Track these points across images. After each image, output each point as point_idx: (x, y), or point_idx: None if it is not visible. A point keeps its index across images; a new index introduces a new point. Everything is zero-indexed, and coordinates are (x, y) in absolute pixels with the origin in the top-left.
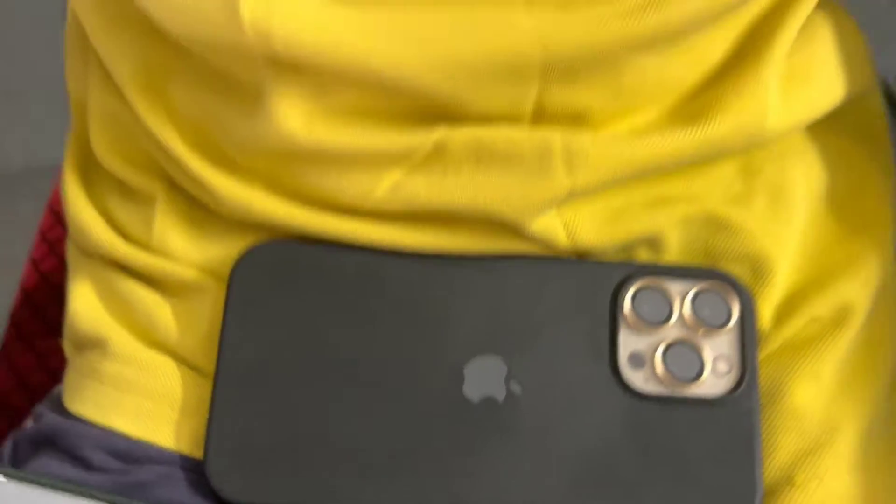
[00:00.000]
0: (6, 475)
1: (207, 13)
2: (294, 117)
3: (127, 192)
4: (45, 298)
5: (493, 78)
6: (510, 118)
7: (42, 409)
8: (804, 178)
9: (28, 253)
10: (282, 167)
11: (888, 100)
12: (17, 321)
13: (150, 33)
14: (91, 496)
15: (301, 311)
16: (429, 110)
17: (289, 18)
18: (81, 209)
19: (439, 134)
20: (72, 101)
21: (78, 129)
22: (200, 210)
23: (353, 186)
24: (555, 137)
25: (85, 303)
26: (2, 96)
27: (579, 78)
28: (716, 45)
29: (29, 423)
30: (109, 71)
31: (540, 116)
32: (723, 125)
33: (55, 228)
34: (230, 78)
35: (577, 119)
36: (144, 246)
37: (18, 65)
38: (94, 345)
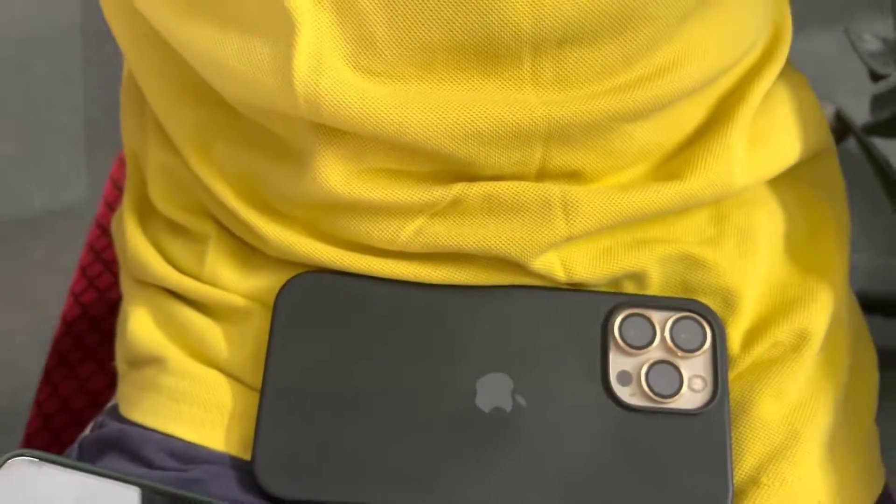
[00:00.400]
0: (84, 470)
1: (264, 85)
2: (334, 175)
3: (180, 231)
4: (85, 328)
5: (504, 144)
6: (518, 176)
7: (103, 418)
8: (768, 222)
9: (69, 288)
10: (321, 215)
11: (842, 126)
12: (59, 348)
13: (207, 98)
14: (154, 489)
15: (337, 333)
16: (449, 169)
17: (336, 93)
18: (140, 245)
19: (457, 189)
20: (126, 153)
21: (134, 177)
22: (247, 248)
23: (383, 231)
24: (555, 191)
25: (143, 325)
26: (22, 144)
27: (576, 143)
28: (691, 114)
29: (88, 431)
30: (167, 130)
31: (542, 174)
32: (696, 182)
33: (94, 265)
34: (278, 139)
35: (573, 176)
36: (196, 277)
37: (38, 115)
38: (151, 362)
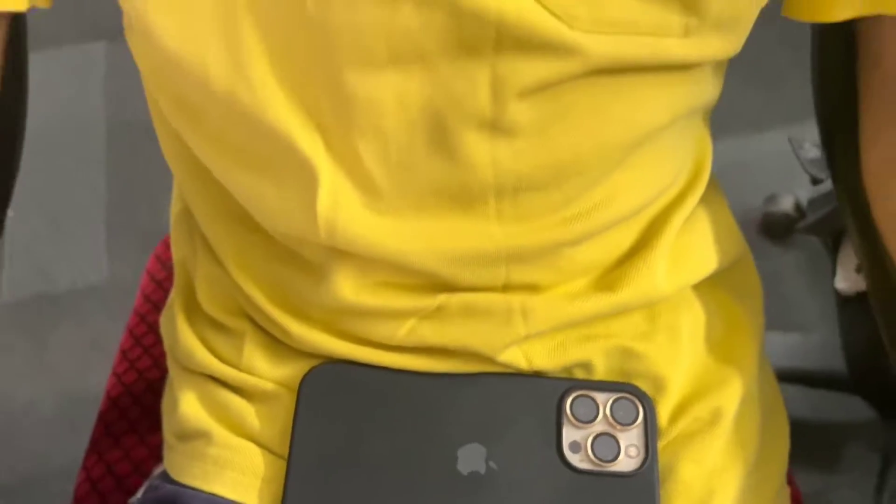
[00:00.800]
0: None
1: (294, 220)
2: (346, 287)
3: (222, 328)
4: (127, 403)
5: (477, 265)
6: (488, 288)
7: (157, 482)
8: (691, 321)
9: (112, 368)
10: (336, 317)
11: (800, 215)
12: (104, 420)
13: (246, 223)
14: None
15: (349, 413)
16: (434, 283)
17: (349, 226)
18: (188, 340)
19: (441, 299)
20: (175, 261)
21: (181, 281)
22: (276, 342)
23: (383, 331)
24: (516, 301)
25: (191, 406)
26: (49, 226)
27: (531, 263)
28: (623, 238)
29: (141, 493)
30: (212, 246)
31: (507, 287)
32: (627, 293)
33: (134, 349)
34: (303, 258)
35: (531, 288)
36: (235, 366)
37: (64, 200)
38: (199, 436)
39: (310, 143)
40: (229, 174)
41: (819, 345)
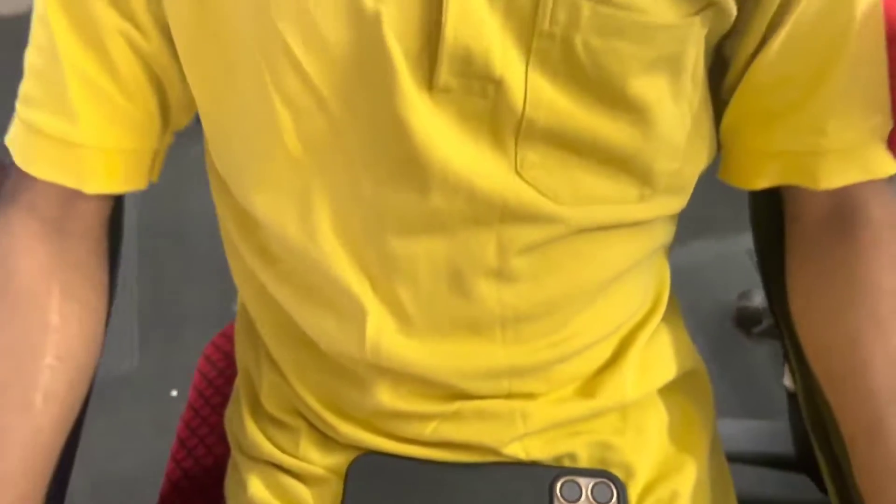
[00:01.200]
0: None
1: (346, 341)
2: (385, 395)
3: (282, 424)
4: (185, 485)
5: (486, 379)
6: (494, 396)
7: None
8: (655, 419)
9: (170, 454)
10: (375, 418)
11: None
12: (166, 502)
13: (303, 342)
14: None
15: (386, 494)
16: (453, 392)
17: (389, 347)
18: (254, 434)
19: (457, 405)
20: (239, 367)
21: (245, 384)
22: (327, 437)
23: (413, 430)
24: (516, 406)
25: (256, 488)
26: None
27: (529, 377)
28: (600, 355)
29: None
30: (275, 359)
31: (509, 395)
32: (604, 398)
33: (191, 439)
34: (350, 371)
35: (528, 396)
36: (293, 455)
37: None
38: None
39: (361, 288)
40: (295, 306)
41: (773, 430)
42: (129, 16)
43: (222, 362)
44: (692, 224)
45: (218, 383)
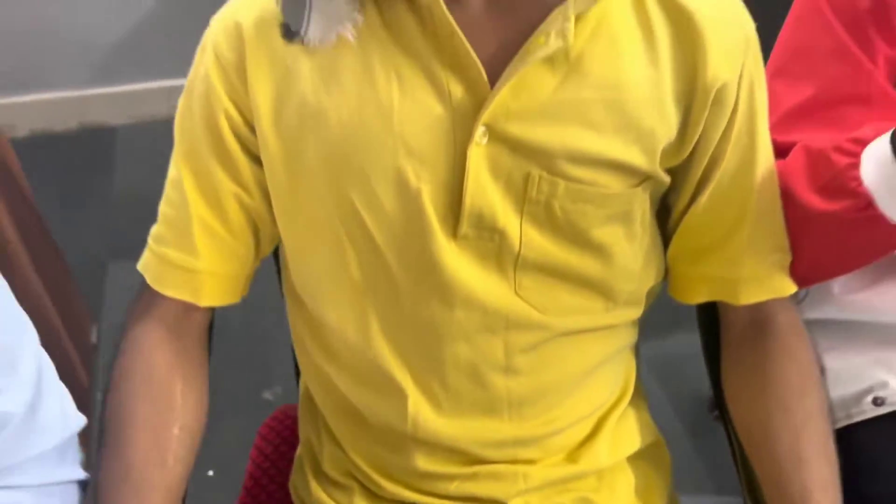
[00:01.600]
0: None
1: (392, 418)
2: (420, 460)
3: (338, 485)
4: None
5: (496, 449)
6: (503, 462)
7: None
8: (625, 482)
9: None
10: (412, 478)
11: None
12: None
13: (357, 418)
14: None
15: None
16: (472, 459)
17: (425, 423)
18: (318, 492)
19: (476, 468)
20: (301, 440)
21: (308, 452)
22: (374, 494)
23: (441, 487)
24: (520, 469)
25: None
26: None
27: (529, 447)
28: (582, 431)
29: None
30: (333, 432)
31: (514, 461)
32: (585, 464)
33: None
34: (394, 442)
35: (528, 461)
36: None
37: None
38: None
39: (403, 378)
40: (352, 390)
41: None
42: (240, 182)
43: (276, 440)
44: (676, 324)
45: (273, 458)
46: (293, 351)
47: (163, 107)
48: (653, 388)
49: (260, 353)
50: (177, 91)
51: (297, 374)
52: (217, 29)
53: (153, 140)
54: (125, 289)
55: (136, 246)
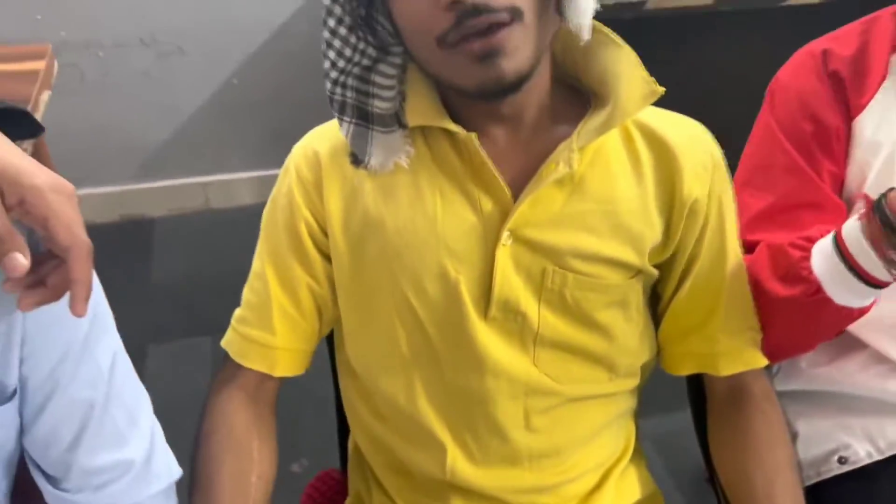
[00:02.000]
0: None
1: (432, 468)
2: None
3: None
4: None
5: (519, 494)
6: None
7: None
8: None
9: None
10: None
11: None
12: None
13: (402, 469)
14: None
15: None
16: (501, 502)
17: (461, 473)
18: None
19: None
20: (351, 492)
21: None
22: None
23: None
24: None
25: None
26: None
27: (546, 494)
28: (589, 483)
29: None
30: (381, 483)
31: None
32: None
33: None
34: (434, 489)
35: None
36: None
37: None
38: None
39: (443, 434)
40: (399, 446)
41: None
42: (313, 275)
43: (321, 500)
44: (675, 401)
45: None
46: (336, 420)
47: (198, 200)
48: (654, 459)
49: (283, 430)
50: (212, 185)
51: (339, 439)
52: (298, 155)
53: (190, 231)
54: (161, 371)
55: (174, 329)
